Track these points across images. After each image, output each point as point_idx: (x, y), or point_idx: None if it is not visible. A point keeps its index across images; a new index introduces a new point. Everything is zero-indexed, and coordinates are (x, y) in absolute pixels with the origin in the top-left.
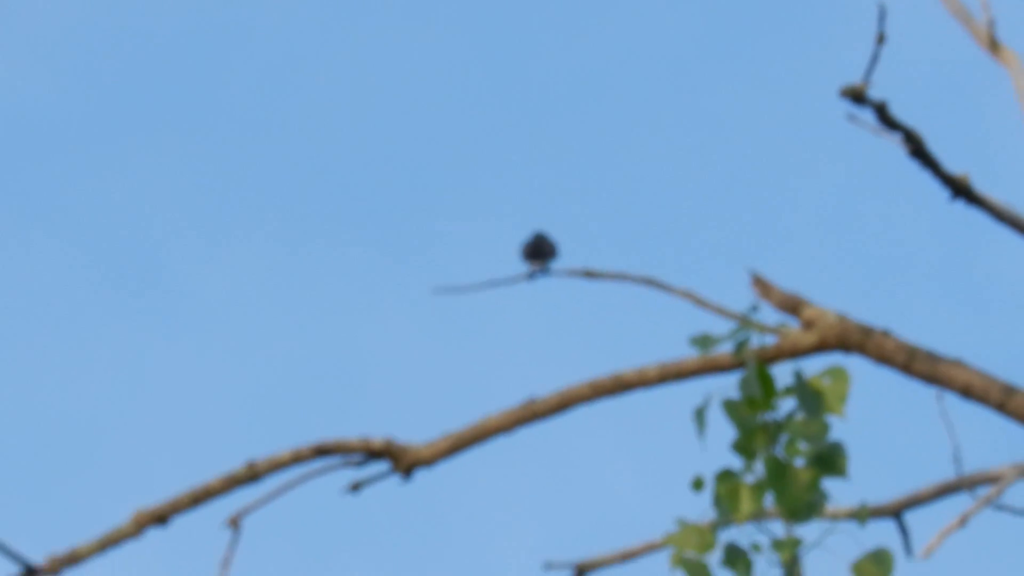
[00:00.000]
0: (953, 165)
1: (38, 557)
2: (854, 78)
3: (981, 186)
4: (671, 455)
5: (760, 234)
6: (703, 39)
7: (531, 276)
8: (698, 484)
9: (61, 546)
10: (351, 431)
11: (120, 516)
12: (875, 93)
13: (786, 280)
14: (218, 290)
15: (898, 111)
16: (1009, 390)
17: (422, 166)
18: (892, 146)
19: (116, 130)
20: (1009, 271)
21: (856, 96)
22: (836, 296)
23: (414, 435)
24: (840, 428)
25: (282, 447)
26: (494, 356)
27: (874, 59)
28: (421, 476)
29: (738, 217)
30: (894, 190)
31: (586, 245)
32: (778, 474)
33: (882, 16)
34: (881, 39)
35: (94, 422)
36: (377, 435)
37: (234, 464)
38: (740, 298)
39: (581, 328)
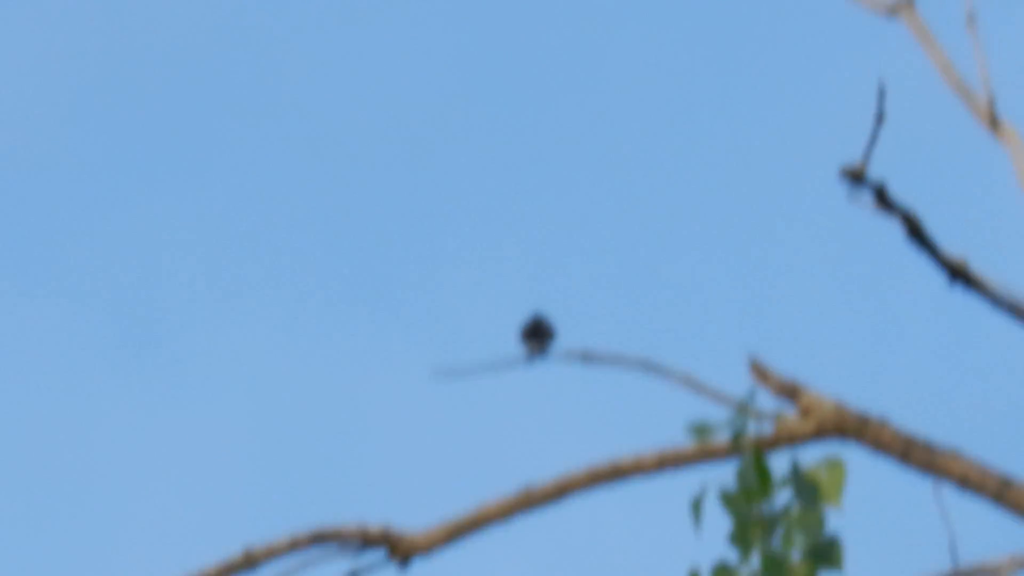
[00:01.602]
0: (952, 244)
1: None
2: (854, 152)
3: (980, 266)
4: (668, 543)
5: (758, 314)
6: (703, 119)
7: (529, 358)
8: None
9: None
10: (347, 507)
11: None
12: (874, 171)
13: (782, 360)
14: (222, 356)
15: (897, 188)
16: (1006, 482)
17: (425, 234)
18: (891, 226)
19: (121, 191)
20: (1009, 356)
21: (855, 176)
22: (833, 377)
23: (410, 514)
24: (836, 519)
25: (279, 524)
26: (491, 437)
27: (873, 138)
28: (418, 564)
29: (736, 297)
30: (893, 270)
31: (585, 325)
32: (774, 568)
33: (882, 95)
34: (881, 118)
35: (94, 485)
36: (374, 518)
37: (231, 547)
38: (738, 381)
39: (579, 411)
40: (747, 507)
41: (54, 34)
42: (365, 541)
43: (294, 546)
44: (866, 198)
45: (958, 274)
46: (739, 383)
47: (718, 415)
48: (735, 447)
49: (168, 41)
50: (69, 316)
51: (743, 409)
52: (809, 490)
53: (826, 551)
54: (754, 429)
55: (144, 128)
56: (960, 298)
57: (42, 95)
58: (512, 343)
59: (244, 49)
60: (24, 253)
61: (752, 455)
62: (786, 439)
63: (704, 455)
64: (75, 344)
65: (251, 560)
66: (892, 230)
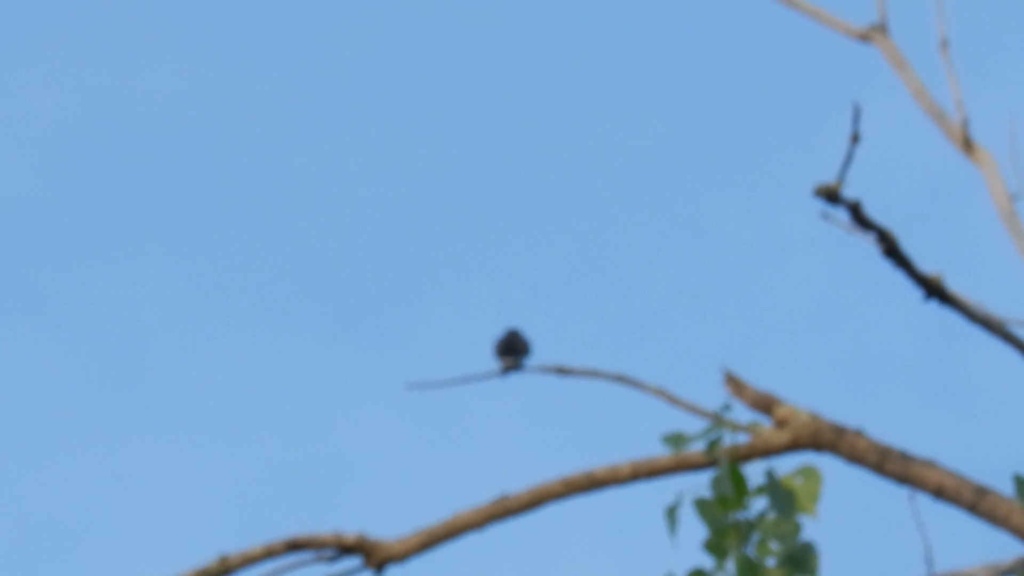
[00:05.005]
0: (929, 264)
1: None
2: (829, 177)
3: (957, 285)
4: (643, 553)
5: (734, 331)
6: (680, 137)
7: (504, 372)
8: None
9: None
10: (326, 525)
11: None
12: (850, 192)
13: (759, 378)
14: (201, 385)
15: (873, 210)
16: (981, 491)
17: (401, 261)
18: (866, 245)
19: (100, 225)
20: (983, 371)
21: (830, 195)
22: (810, 395)
23: (387, 529)
24: (812, 528)
25: (256, 541)
26: (467, 451)
27: (848, 158)
28: (393, 572)
29: (712, 314)
30: (869, 288)
31: (560, 341)
32: (749, 574)
33: (857, 115)
34: (856, 138)
35: (75, 519)
36: (351, 529)
37: (207, 558)
38: (713, 396)
39: (554, 424)
40: (722, 515)
41: (46, 89)
42: (341, 549)
43: (269, 554)
44: (842, 216)
45: (934, 290)
46: (714, 397)
47: (693, 427)
48: (710, 457)
49: (153, 99)
50: (51, 353)
51: (718, 420)
52: (785, 499)
53: (801, 558)
54: (729, 440)
55: (125, 170)
56: (935, 313)
57: (28, 140)
58: (488, 360)
59: (224, 105)
60: (7, 292)
61: (727, 464)
62: (761, 450)
63: (679, 465)
64: (57, 379)
65: (227, 566)
66: (868, 248)
